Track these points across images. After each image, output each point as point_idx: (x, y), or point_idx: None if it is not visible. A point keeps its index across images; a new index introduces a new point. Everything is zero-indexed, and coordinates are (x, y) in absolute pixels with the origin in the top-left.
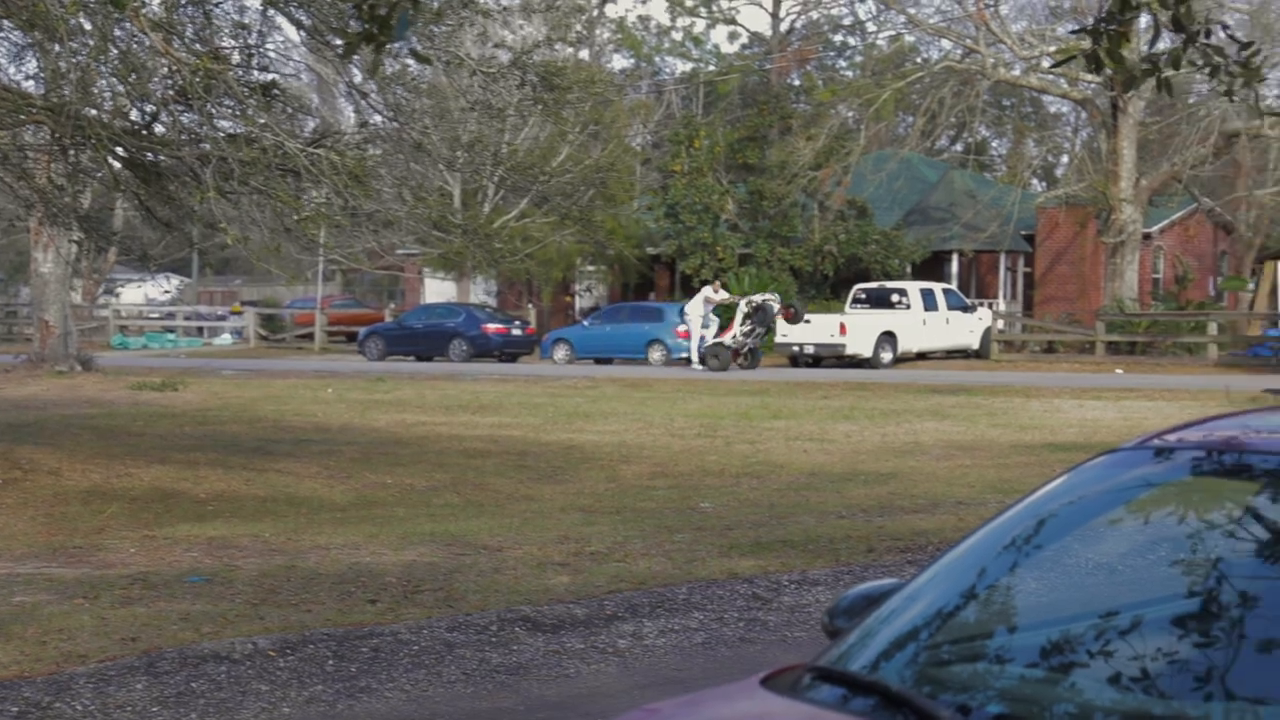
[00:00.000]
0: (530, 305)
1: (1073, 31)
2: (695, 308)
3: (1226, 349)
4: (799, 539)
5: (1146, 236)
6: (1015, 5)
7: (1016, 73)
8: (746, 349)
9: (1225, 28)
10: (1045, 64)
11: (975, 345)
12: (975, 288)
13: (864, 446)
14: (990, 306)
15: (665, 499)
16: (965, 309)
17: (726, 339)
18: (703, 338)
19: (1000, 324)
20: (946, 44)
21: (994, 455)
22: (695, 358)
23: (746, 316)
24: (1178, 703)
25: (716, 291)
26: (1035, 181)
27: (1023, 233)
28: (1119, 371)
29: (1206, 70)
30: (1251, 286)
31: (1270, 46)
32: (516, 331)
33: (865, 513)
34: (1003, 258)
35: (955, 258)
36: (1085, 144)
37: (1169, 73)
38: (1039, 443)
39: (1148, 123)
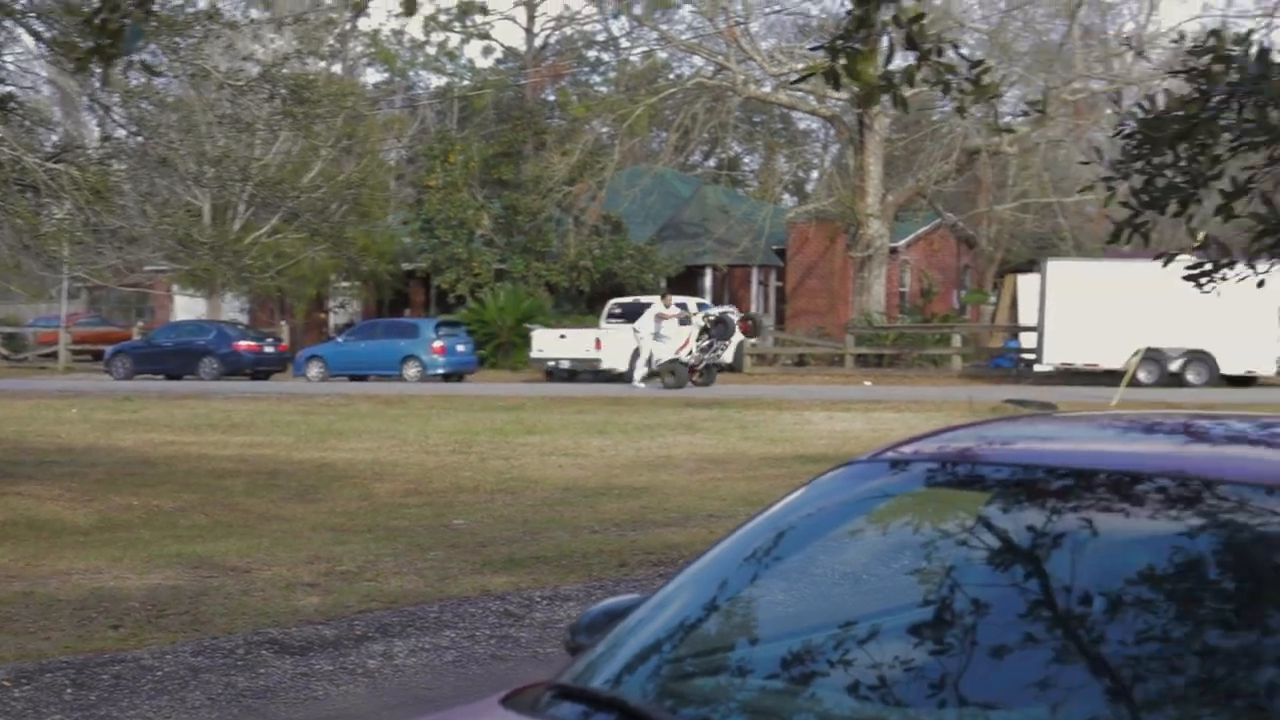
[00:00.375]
0: (283, 322)
1: (812, 48)
2: (645, 324)
3: (970, 360)
4: (552, 554)
5: (893, 251)
6: (765, 23)
7: (767, 89)
8: (704, 365)
9: (956, 47)
10: (793, 80)
11: (728, 359)
12: (729, 301)
13: (618, 461)
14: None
15: (419, 516)
16: None
17: (683, 355)
18: (651, 355)
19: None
20: (699, 60)
21: (745, 468)
22: (637, 376)
23: (704, 331)
24: (913, 710)
25: (668, 306)
26: (786, 197)
27: (774, 247)
28: (868, 384)
29: (940, 87)
30: (993, 299)
31: (1008, 65)
32: (269, 349)
33: (618, 527)
34: (755, 272)
35: (709, 272)
36: (834, 160)
37: (906, 90)
38: (789, 455)
39: (894, 139)
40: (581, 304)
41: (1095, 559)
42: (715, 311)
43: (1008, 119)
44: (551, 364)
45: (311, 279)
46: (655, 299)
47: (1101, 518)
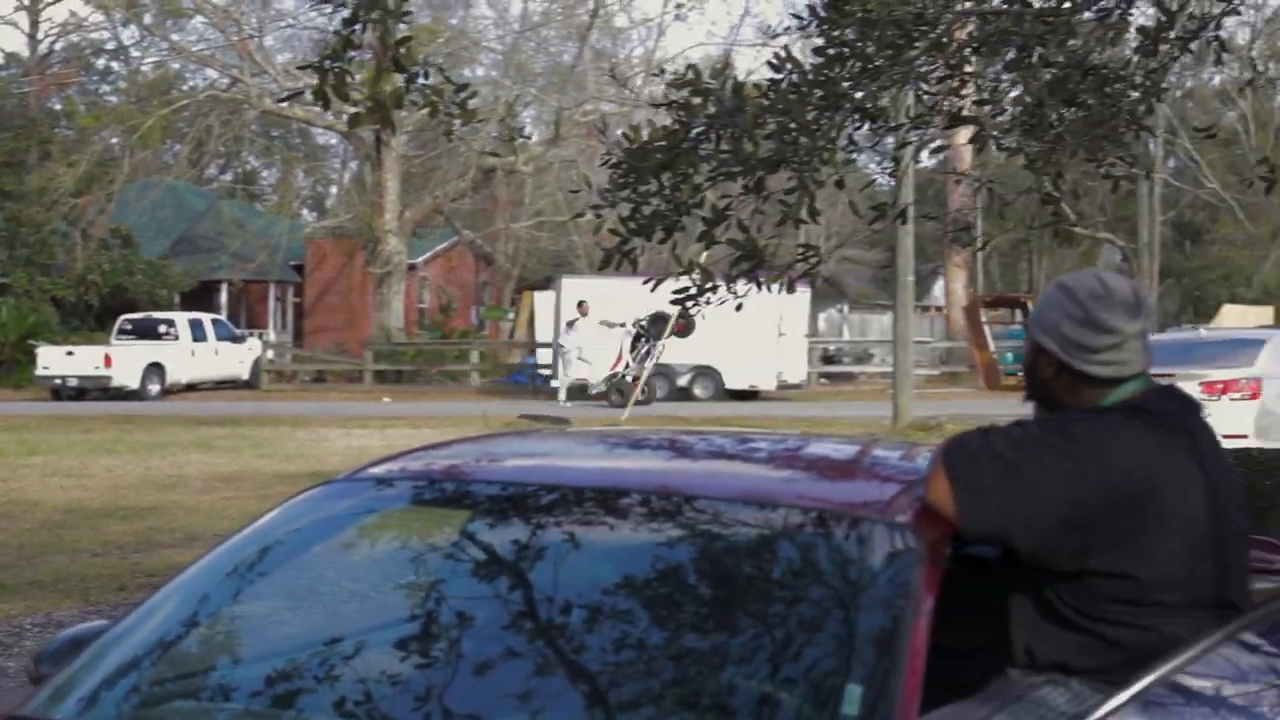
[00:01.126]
0: None
1: (300, 67)
2: (568, 339)
3: (488, 376)
4: (48, 580)
5: (412, 267)
6: (281, 37)
7: (284, 104)
8: (645, 376)
9: (442, 70)
10: (307, 96)
11: (245, 376)
12: (246, 318)
13: (126, 481)
14: (260, 337)
15: None
16: (235, 339)
17: (619, 370)
18: (591, 370)
19: (270, 354)
20: (212, 73)
21: (257, 486)
22: (563, 395)
23: (637, 338)
24: None
25: (584, 314)
26: (306, 212)
27: (292, 263)
28: (387, 400)
29: (427, 110)
30: (511, 316)
31: (523, 86)
32: None
33: (121, 549)
34: (272, 288)
35: (225, 288)
36: (353, 176)
37: (398, 111)
38: (303, 472)
39: (411, 156)
40: (90, 320)
41: (578, 572)
42: (644, 315)
43: (521, 140)
44: (58, 382)
45: None
46: (574, 312)
47: (585, 532)
